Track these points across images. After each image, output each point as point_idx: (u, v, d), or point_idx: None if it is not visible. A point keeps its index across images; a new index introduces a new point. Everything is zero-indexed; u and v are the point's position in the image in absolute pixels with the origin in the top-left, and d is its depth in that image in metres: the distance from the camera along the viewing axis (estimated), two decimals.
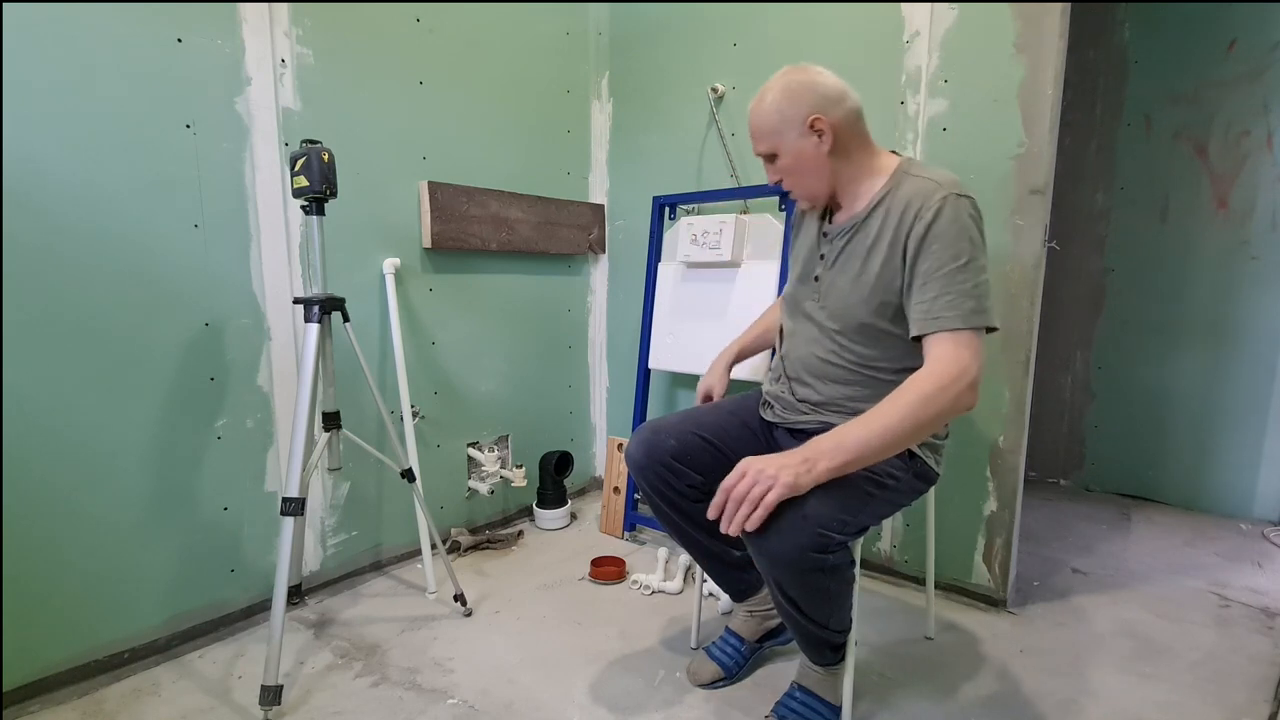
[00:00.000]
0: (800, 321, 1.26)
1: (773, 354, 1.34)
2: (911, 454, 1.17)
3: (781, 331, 1.34)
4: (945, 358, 1.01)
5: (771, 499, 0.95)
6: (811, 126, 1.11)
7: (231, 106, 1.52)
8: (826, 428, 1.04)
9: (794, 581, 1.06)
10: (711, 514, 1.00)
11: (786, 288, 1.33)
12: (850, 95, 1.14)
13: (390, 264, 1.84)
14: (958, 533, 1.76)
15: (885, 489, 1.11)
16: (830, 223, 1.23)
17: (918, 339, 1.07)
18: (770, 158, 1.17)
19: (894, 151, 1.23)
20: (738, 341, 1.53)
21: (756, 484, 0.97)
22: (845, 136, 1.14)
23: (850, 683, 1.21)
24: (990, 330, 1.06)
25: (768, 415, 1.34)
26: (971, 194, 1.08)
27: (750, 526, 0.96)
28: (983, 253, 1.06)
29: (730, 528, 0.98)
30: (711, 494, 1.32)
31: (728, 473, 1.30)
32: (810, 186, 1.17)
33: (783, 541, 1.00)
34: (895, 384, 1.04)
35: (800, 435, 1.19)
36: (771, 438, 1.33)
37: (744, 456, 1.28)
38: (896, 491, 1.14)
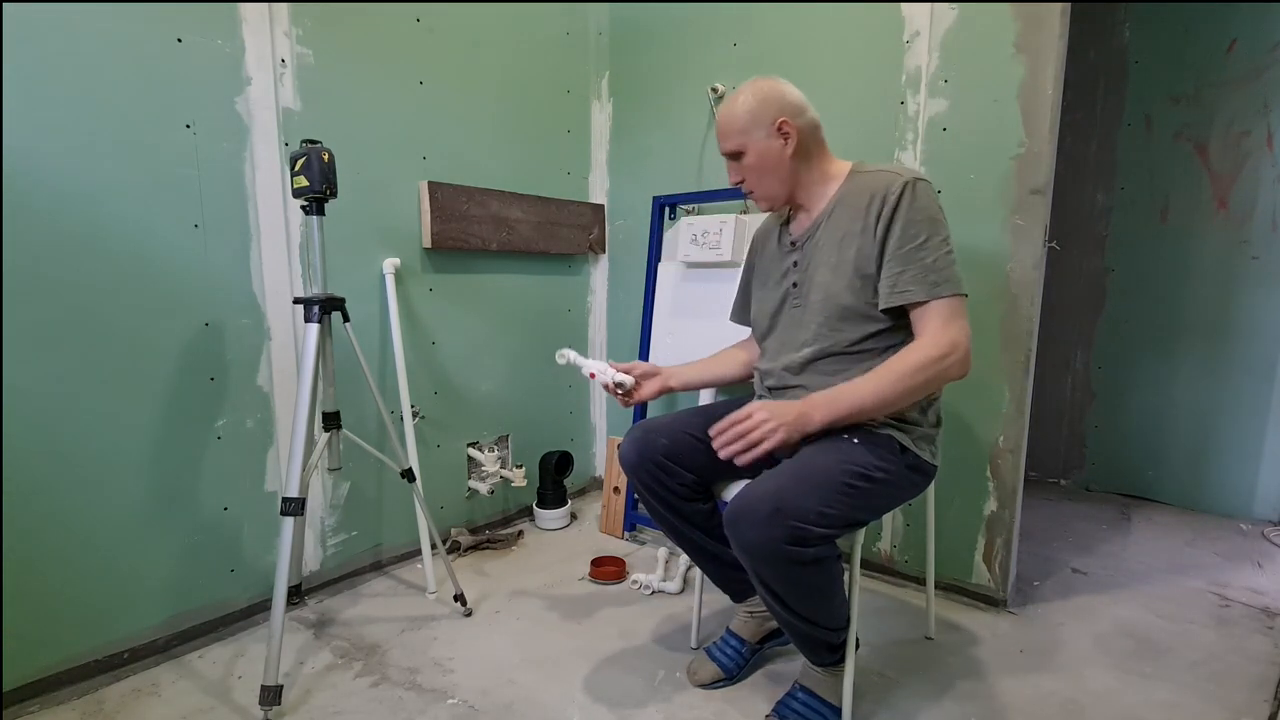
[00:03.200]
0: (778, 332, 1.30)
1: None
2: (903, 447, 1.17)
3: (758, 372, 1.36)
4: (936, 332, 1.10)
5: (764, 448, 1.04)
6: (779, 129, 1.19)
7: (231, 106, 1.52)
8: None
9: (774, 575, 1.08)
10: (715, 440, 1.08)
11: (754, 313, 1.37)
12: (811, 109, 1.23)
13: (390, 264, 1.84)
14: (958, 533, 1.76)
15: (874, 481, 1.10)
16: (791, 232, 1.30)
17: (888, 311, 1.15)
18: (736, 155, 1.23)
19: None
20: (678, 375, 1.44)
21: (756, 429, 1.05)
22: (807, 142, 1.22)
23: (850, 683, 1.21)
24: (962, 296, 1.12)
25: None
26: (927, 178, 1.17)
27: (740, 463, 1.06)
28: (944, 227, 1.14)
29: (722, 453, 1.07)
30: (705, 493, 1.34)
31: (720, 472, 1.31)
32: (771, 187, 1.24)
33: (757, 533, 1.03)
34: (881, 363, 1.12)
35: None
36: None
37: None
38: (888, 485, 1.13)
